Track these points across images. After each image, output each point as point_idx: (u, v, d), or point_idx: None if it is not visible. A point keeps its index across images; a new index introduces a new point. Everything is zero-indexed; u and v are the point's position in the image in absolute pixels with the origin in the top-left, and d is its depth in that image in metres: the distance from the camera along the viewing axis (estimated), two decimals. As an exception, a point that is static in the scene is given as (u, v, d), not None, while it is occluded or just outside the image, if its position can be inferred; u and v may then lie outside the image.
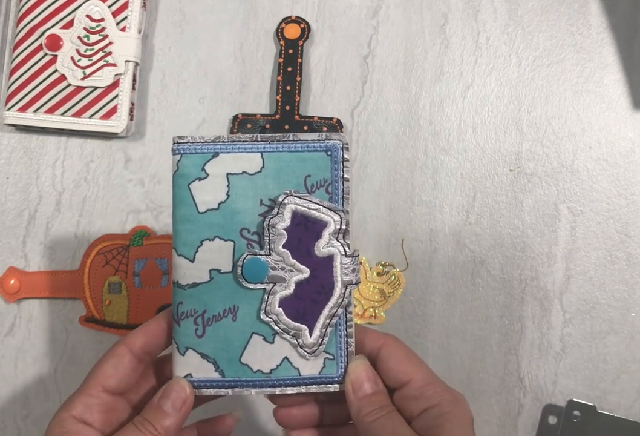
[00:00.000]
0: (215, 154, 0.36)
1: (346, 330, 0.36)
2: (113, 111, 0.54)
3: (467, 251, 0.55)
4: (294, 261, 0.36)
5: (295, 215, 0.36)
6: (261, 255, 0.35)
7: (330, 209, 0.36)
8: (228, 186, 0.36)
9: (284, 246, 0.36)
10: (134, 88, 0.56)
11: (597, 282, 0.55)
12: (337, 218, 0.36)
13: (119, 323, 0.53)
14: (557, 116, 0.56)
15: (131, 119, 0.55)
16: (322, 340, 0.36)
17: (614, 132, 0.56)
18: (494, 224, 0.55)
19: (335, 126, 0.55)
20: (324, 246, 0.36)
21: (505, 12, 0.57)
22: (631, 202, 0.55)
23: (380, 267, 0.55)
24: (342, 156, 0.36)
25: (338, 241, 0.36)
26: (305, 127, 0.55)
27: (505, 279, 0.55)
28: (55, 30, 0.54)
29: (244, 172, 0.36)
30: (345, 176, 0.36)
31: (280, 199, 0.35)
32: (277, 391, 0.36)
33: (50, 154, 0.56)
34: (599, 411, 0.52)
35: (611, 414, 0.52)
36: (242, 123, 0.55)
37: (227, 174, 0.36)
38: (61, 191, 0.55)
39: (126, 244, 0.54)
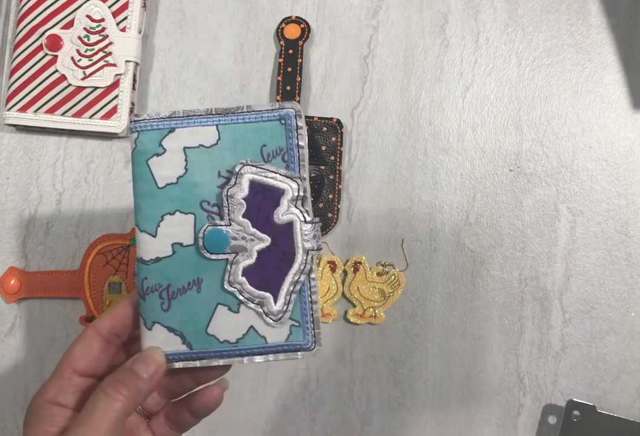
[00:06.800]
0: (172, 130, 0.36)
1: (310, 297, 0.37)
2: (113, 111, 0.54)
3: (467, 251, 0.55)
4: (254, 230, 0.36)
5: (253, 184, 0.36)
6: (221, 226, 0.36)
7: (287, 177, 0.36)
8: (186, 160, 0.36)
9: (243, 216, 0.36)
10: (134, 88, 0.56)
11: (597, 282, 0.55)
12: (294, 185, 0.36)
13: (119, 323, 0.53)
14: (556, 116, 0.56)
15: (131, 119, 0.55)
16: (287, 307, 0.36)
17: (613, 133, 0.56)
18: (494, 224, 0.55)
19: (335, 126, 0.55)
20: (283, 213, 0.36)
21: (505, 12, 0.57)
22: (631, 203, 0.55)
23: (380, 267, 0.55)
24: (296, 123, 0.37)
25: (297, 208, 0.36)
26: (306, 128, 0.55)
27: (505, 279, 0.55)
28: (56, 31, 0.55)
29: (200, 145, 0.36)
30: (300, 143, 0.37)
31: (237, 170, 0.36)
32: (245, 360, 0.36)
33: (51, 154, 0.56)
34: (599, 411, 0.52)
35: (611, 414, 0.52)
36: (242, 123, 0.55)
37: (184, 148, 0.36)
38: (61, 191, 0.55)
39: (126, 244, 0.54)
